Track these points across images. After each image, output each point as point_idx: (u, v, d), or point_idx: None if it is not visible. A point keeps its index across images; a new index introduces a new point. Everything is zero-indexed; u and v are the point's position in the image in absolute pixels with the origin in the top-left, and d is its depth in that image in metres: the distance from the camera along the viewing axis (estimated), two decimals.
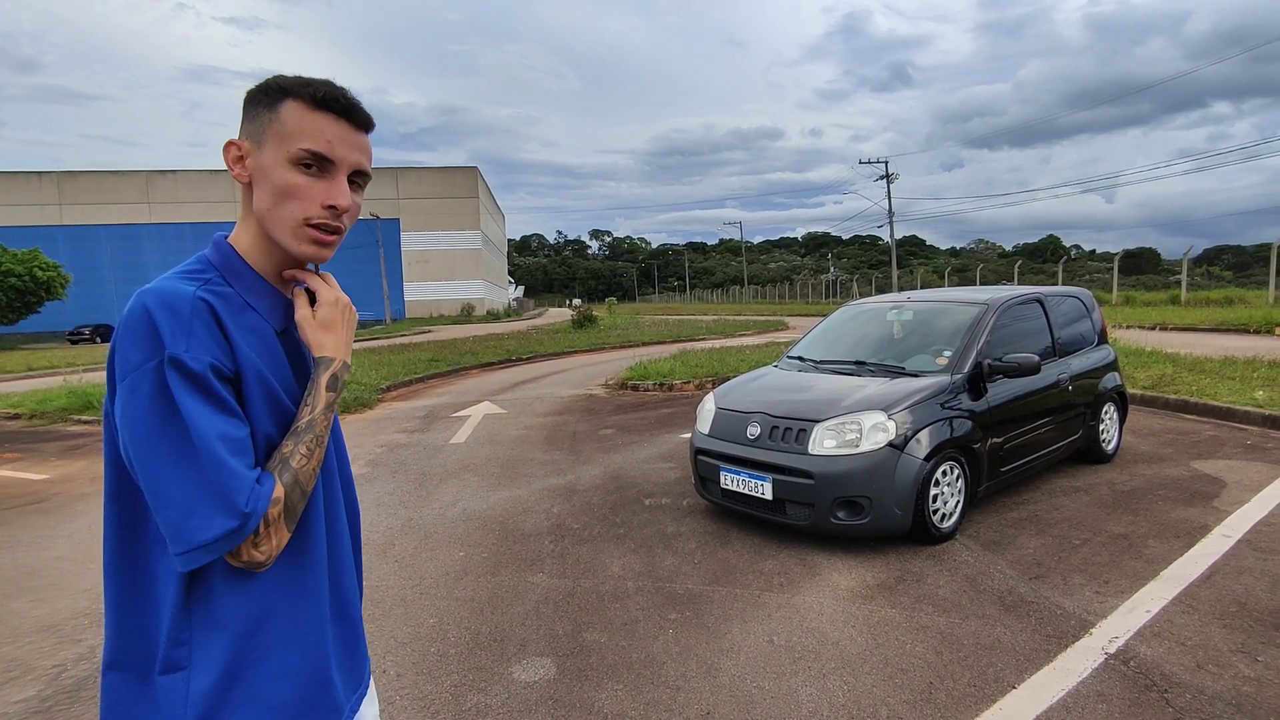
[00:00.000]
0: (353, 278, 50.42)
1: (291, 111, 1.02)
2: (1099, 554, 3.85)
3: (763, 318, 34.27)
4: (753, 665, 2.88)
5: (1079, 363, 5.49)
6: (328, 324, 1.10)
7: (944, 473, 4.17)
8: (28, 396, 11.38)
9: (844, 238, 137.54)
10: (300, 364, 1.11)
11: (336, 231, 1.06)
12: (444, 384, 13.01)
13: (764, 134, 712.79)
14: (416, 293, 53.71)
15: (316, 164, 1.03)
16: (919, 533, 4.05)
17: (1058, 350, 5.33)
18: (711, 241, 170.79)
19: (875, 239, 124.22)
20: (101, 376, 13.64)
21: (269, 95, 1.03)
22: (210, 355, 0.93)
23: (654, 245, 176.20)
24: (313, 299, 1.12)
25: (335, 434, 1.20)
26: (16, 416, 10.36)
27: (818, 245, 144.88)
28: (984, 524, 4.42)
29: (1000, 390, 4.62)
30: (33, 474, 6.86)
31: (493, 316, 52.06)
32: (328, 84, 1.04)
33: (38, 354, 25.39)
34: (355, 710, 1.17)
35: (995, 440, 4.52)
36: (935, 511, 4.10)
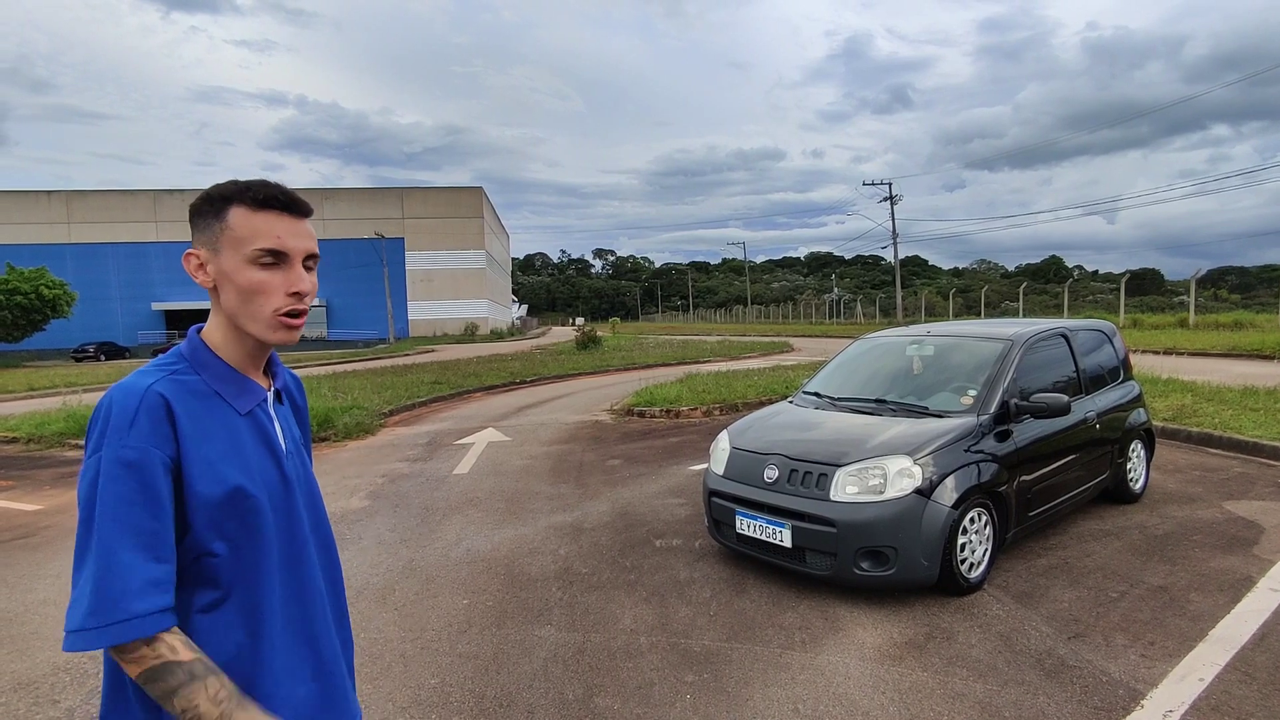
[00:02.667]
0: (357, 297, 50.81)
1: (239, 217, 1.12)
2: (1139, 609, 3.64)
3: (767, 339, 34.12)
4: None
5: (1105, 399, 5.30)
6: None
7: (971, 520, 3.97)
8: (25, 419, 11.23)
9: (847, 258, 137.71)
10: (265, 441, 1.18)
11: (302, 314, 1.17)
12: (447, 408, 12.83)
13: (766, 154, 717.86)
14: (420, 312, 53.75)
15: (274, 259, 1.13)
16: (946, 583, 3.85)
17: (1084, 386, 5.15)
18: (715, 261, 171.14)
19: (878, 259, 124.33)
20: (98, 397, 13.48)
21: (213, 204, 1.13)
22: (147, 445, 1.02)
23: (657, 264, 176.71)
24: None
25: (311, 487, 1.28)
26: (14, 440, 10.20)
27: (821, 265, 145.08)
28: (1013, 572, 4.21)
29: (1026, 430, 4.43)
30: (24, 504, 6.68)
31: (496, 335, 52.02)
32: (264, 184, 1.14)
33: (40, 373, 25.30)
34: None
35: (1023, 483, 4.32)
36: (963, 561, 3.90)
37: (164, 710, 1.06)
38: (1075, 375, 5.13)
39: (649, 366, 19.67)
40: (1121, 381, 5.68)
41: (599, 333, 29.70)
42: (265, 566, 1.15)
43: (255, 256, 1.12)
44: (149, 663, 1.00)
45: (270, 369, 1.26)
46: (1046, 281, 74.06)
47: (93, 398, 13.94)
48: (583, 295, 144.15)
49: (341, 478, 7.33)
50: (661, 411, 10.78)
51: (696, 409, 10.80)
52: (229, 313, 1.15)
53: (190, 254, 1.15)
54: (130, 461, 1.01)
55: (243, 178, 1.16)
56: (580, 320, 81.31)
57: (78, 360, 38.69)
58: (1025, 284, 39.69)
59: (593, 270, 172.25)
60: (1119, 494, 5.40)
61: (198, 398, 1.11)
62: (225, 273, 1.12)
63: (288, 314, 1.15)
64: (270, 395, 1.24)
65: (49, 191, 51.54)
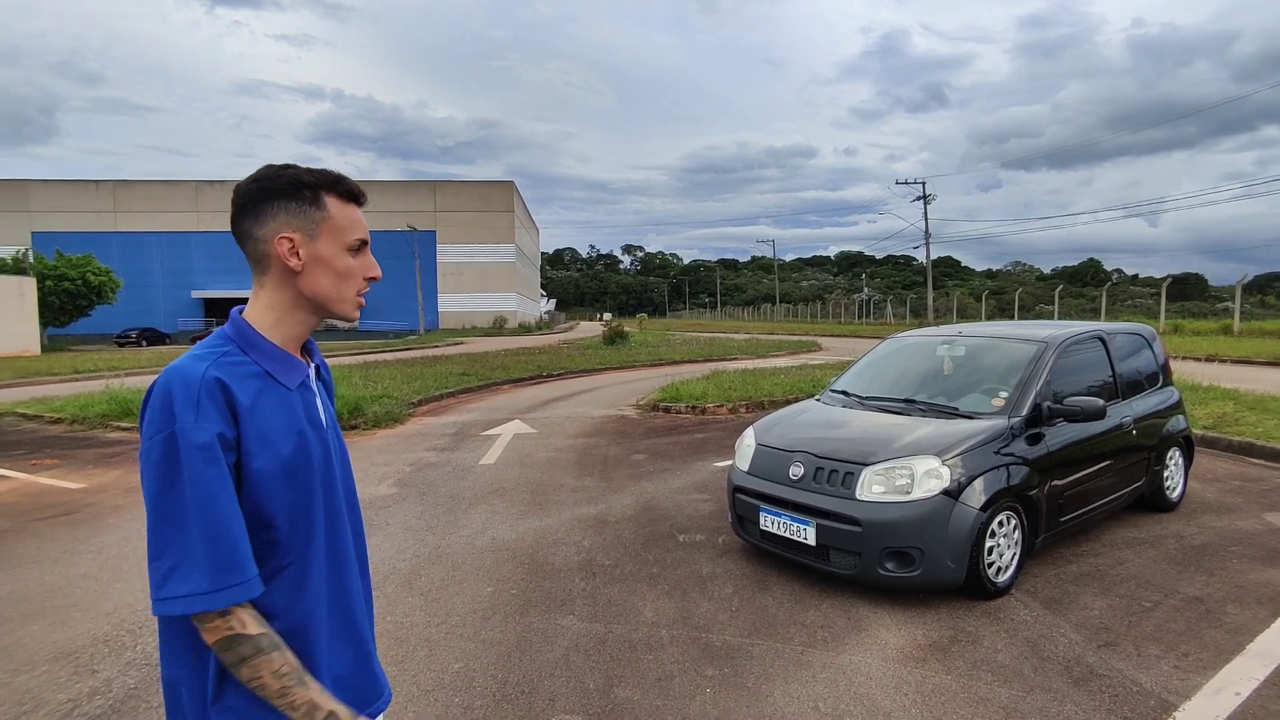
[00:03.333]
0: (389, 288, 51.38)
1: (336, 207, 1.22)
2: (1173, 620, 3.55)
3: (795, 337, 33.87)
4: None
5: (1142, 404, 5.17)
6: None
7: (1000, 523, 3.91)
8: (70, 401, 11.61)
9: (878, 257, 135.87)
10: (310, 416, 1.23)
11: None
12: (475, 399, 12.97)
13: (798, 152, 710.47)
14: (450, 304, 54.31)
15: (362, 247, 1.25)
16: (973, 587, 3.79)
17: (1120, 391, 5.03)
18: (743, 258, 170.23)
19: (909, 259, 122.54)
20: (140, 381, 13.94)
21: (311, 191, 1.20)
22: (216, 426, 1.08)
23: (685, 261, 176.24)
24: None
25: (345, 461, 1.34)
26: (59, 421, 10.55)
27: (851, 264, 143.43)
28: (1042, 578, 4.13)
29: (1059, 434, 4.34)
30: (68, 482, 6.91)
31: (524, 329, 52.38)
32: (350, 181, 1.25)
33: (85, 356, 26.10)
34: None
35: (1054, 487, 4.24)
36: (991, 565, 3.84)
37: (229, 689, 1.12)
38: (1112, 379, 5.01)
39: (676, 363, 19.65)
40: (1160, 387, 5.53)
41: (626, 328, 29.76)
42: (315, 539, 1.21)
43: (353, 245, 1.23)
44: (222, 633, 1.06)
45: (306, 347, 1.30)
46: (1084, 285, 72.38)
47: (135, 381, 14.35)
48: (610, 291, 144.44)
49: (370, 465, 7.45)
50: (687, 408, 10.78)
51: (722, 406, 10.77)
52: (315, 294, 1.21)
53: (285, 237, 1.18)
54: (204, 443, 1.06)
55: (319, 168, 1.24)
56: (608, 316, 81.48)
57: (120, 345, 39.82)
58: (1061, 287, 38.84)
59: (621, 266, 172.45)
60: (1155, 502, 5.27)
61: (250, 378, 1.15)
62: (323, 258, 1.20)
63: (360, 294, 1.27)
64: (311, 372, 1.29)
65: (97, 181, 53.05)
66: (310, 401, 1.25)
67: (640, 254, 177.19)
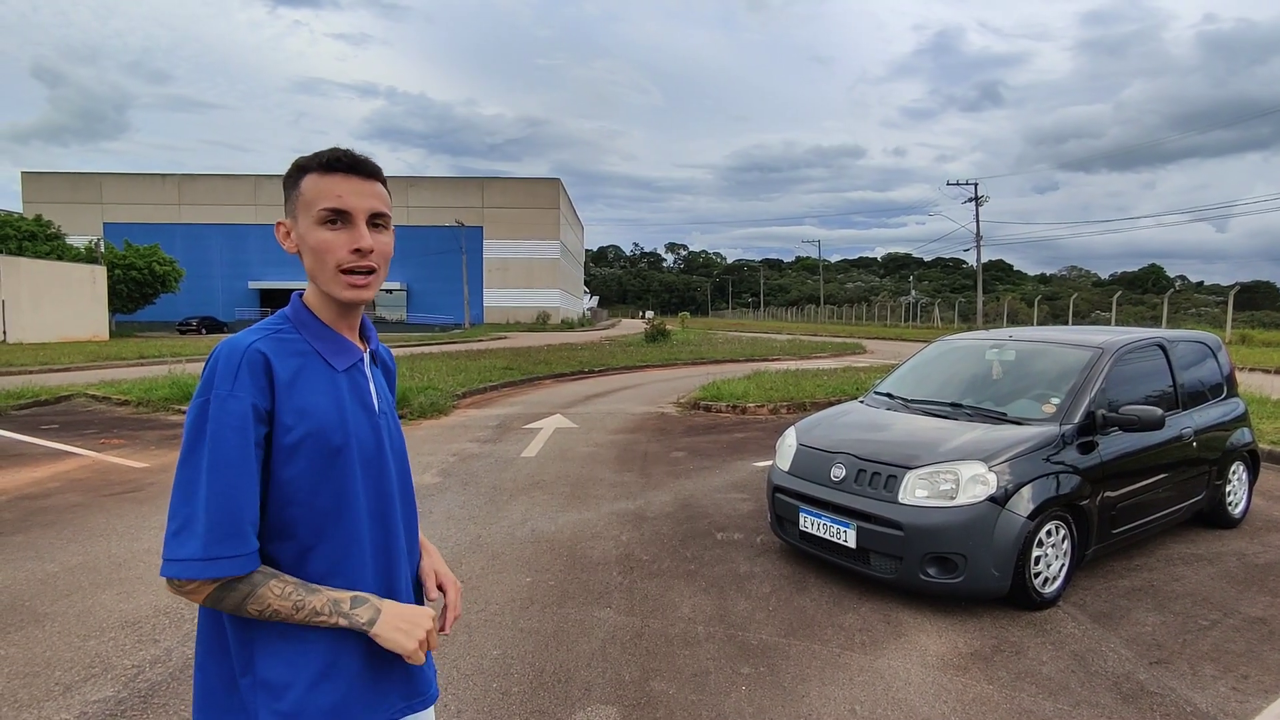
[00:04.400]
0: (436, 282, 52.49)
1: (309, 182, 1.19)
2: (1232, 640, 3.41)
3: (839, 339, 33.39)
4: None
5: (1204, 415, 4.97)
6: (400, 640, 1.18)
7: (1049, 532, 3.81)
8: (136, 384, 12.16)
9: (926, 259, 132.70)
10: (360, 399, 1.24)
11: (370, 272, 1.22)
12: (517, 393, 13.15)
13: (845, 152, 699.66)
14: (495, 299, 55.08)
15: (339, 219, 1.18)
16: (1018, 596, 3.71)
17: (1181, 401, 4.84)
18: (788, 259, 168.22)
19: (959, 262, 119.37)
20: (199, 368, 14.42)
21: (293, 176, 1.21)
22: (250, 397, 1.10)
23: (729, 260, 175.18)
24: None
25: (400, 448, 1.33)
26: (125, 403, 11.06)
27: (898, 266, 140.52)
28: (1091, 591, 4.01)
29: (1114, 443, 4.21)
30: (133, 461, 7.25)
31: (567, 325, 52.81)
32: (333, 150, 1.20)
33: (150, 343, 27.29)
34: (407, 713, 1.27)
35: (1107, 498, 4.11)
36: (1037, 575, 3.75)
37: (257, 662, 1.13)
38: (1172, 388, 4.83)
39: (717, 362, 19.58)
40: (1225, 398, 5.31)
41: (668, 326, 29.75)
42: (355, 518, 1.20)
43: (321, 217, 1.18)
44: (207, 590, 1.07)
45: (364, 333, 1.32)
46: (1144, 291, 69.57)
47: (194, 368, 14.95)
48: (653, 289, 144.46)
49: (415, 455, 7.63)
50: (728, 407, 10.74)
51: (763, 406, 10.70)
52: (310, 274, 1.22)
53: (280, 224, 1.23)
54: (234, 411, 1.09)
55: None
56: (650, 313, 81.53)
57: (182, 333, 41.49)
58: (1119, 293, 37.34)
59: (664, 264, 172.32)
60: (1215, 518, 5.06)
61: (297, 355, 1.18)
62: (301, 236, 1.20)
63: (350, 270, 1.19)
64: (366, 356, 1.30)
65: (163, 175, 55.37)
66: (361, 385, 1.26)
67: (684, 252, 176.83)
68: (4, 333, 25.54)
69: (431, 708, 1.36)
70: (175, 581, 1.07)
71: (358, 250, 1.19)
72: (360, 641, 1.19)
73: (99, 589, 3.98)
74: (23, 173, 54.48)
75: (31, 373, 15.41)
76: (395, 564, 1.28)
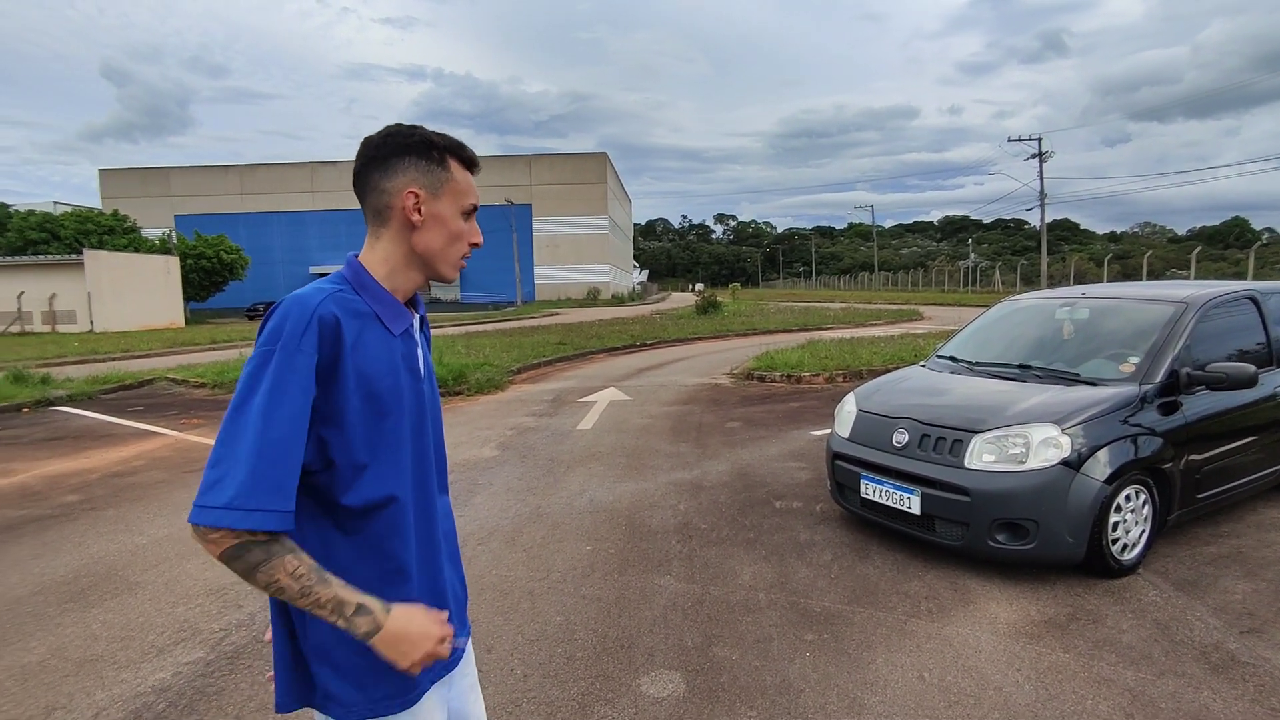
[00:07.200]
0: (487, 261, 53.13)
1: (458, 171, 1.28)
2: None
3: (895, 306, 32.52)
4: (901, 705, 2.61)
5: None
6: (394, 659, 1.16)
7: (1128, 497, 3.64)
8: (210, 368, 12.75)
9: (985, 221, 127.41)
10: (409, 363, 1.27)
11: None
12: (571, 367, 13.26)
13: (899, 113, 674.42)
14: (545, 276, 55.56)
15: (473, 212, 1.32)
16: (1095, 563, 3.56)
17: (1276, 358, 4.53)
18: (840, 226, 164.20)
19: (1021, 223, 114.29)
20: None
21: (439, 152, 1.26)
22: (315, 354, 1.12)
23: (780, 230, 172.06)
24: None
25: (437, 412, 1.36)
26: (201, 385, 11.61)
27: (955, 229, 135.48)
28: (1174, 558, 3.83)
29: (1200, 403, 3.97)
30: (211, 439, 7.59)
31: (617, 300, 52.88)
32: (470, 149, 1.32)
33: (221, 328, 28.54)
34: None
35: (1192, 461, 3.89)
36: (1115, 541, 3.59)
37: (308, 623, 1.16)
38: (1265, 344, 4.51)
39: (769, 332, 19.33)
40: None
41: (718, 298, 29.49)
42: (402, 481, 1.23)
43: (467, 209, 1.29)
44: (228, 543, 1.04)
45: (412, 300, 1.34)
46: (1225, 247, 65.36)
47: None
48: (703, 261, 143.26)
49: (474, 429, 7.79)
50: (782, 376, 10.60)
51: (819, 375, 10.52)
52: (426, 251, 1.25)
53: (412, 191, 1.22)
54: (302, 366, 1.09)
55: (443, 133, 1.30)
56: (700, 286, 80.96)
57: (250, 318, 43.21)
58: (1199, 249, 35.17)
59: (713, 236, 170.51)
60: None
61: (358, 317, 1.18)
62: (441, 216, 1.25)
63: (463, 257, 1.33)
64: (415, 322, 1.32)
65: (225, 166, 57.51)
66: (411, 350, 1.28)
67: (733, 223, 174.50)
68: (90, 322, 27.09)
69: (471, 662, 1.45)
70: (201, 529, 1.04)
71: (474, 244, 1.34)
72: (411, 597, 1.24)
73: (184, 559, 4.20)
74: (100, 170, 57.40)
75: (116, 359, 16.31)
76: (432, 525, 1.31)
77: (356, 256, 1.27)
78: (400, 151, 1.23)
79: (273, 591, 1.08)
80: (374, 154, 1.23)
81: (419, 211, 1.23)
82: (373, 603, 1.14)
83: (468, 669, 1.44)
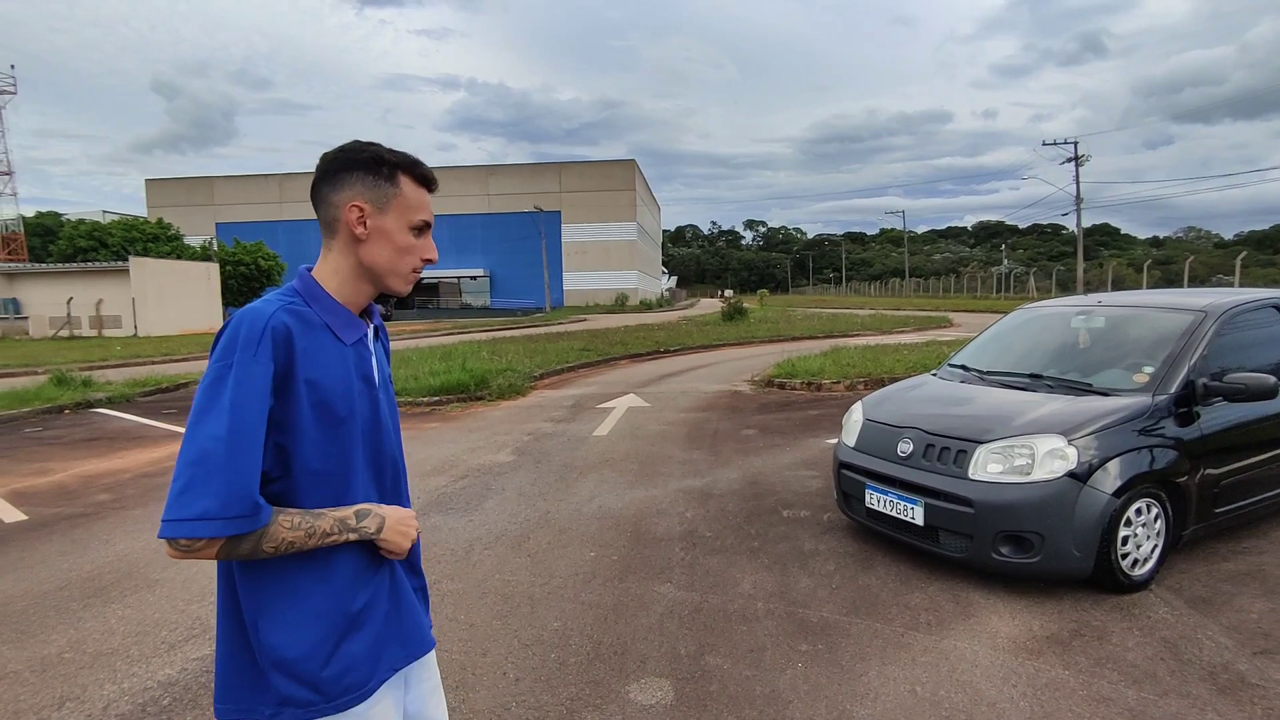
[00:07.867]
0: (517, 268, 53.83)
1: (409, 188, 1.30)
2: None
3: (924, 313, 32.04)
4: (890, 718, 2.58)
5: None
6: (400, 542, 1.32)
7: (1139, 511, 3.55)
8: None
9: (1020, 227, 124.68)
10: (362, 371, 1.31)
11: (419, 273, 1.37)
12: (593, 373, 13.34)
13: (931, 117, 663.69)
14: (574, 282, 55.90)
15: (424, 228, 1.34)
16: (1102, 578, 3.48)
17: None
18: (871, 231, 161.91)
19: (1058, 228, 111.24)
20: None
21: (388, 168, 1.29)
22: (271, 365, 1.15)
23: (810, 235, 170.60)
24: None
25: (395, 419, 1.40)
26: None
27: (989, 235, 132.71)
28: (1189, 574, 3.73)
29: (1218, 415, 3.86)
30: None
31: (645, 306, 53.00)
32: (424, 165, 1.33)
33: None
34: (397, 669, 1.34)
35: (1208, 475, 3.79)
36: (1125, 555, 3.51)
37: (261, 629, 1.19)
38: None
39: (795, 339, 19.20)
40: None
41: (744, 304, 29.38)
42: (357, 486, 1.28)
43: (417, 224, 1.31)
44: (214, 549, 1.11)
45: (367, 311, 1.39)
46: (1275, 252, 63.06)
47: None
48: (732, 267, 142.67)
49: (492, 434, 7.88)
50: (802, 384, 10.53)
51: (839, 382, 10.43)
52: (375, 264, 1.29)
53: (356, 205, 1.26)
54: (259, 375, 1.14)
55: (400, 150, 1.33)
56: (728, 292, 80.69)
57: None
58: (1244, 254, 34.00)
59: (743, 242, 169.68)
60: None
61: (310, 327, 1.23)
62: (386, 231, 1.28)
63: (414, 271, 1.34)
64: (370, 332, 1.36)
65: (265, 175, 59.04)
66: (365, 358, 1.32)
67: (763, 229, 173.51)
68: (135, 326, 28.02)
69: (433, 653, 1.46)
70: (182, 542, 1.08)
71: (427, 260, 1.36)
72: (358, 601, 1.27)
73: None
74: (146, 180, 59.36)
75: (155, 363, 16.86)
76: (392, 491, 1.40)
77: (309, 270, 1.32)
78: (348, 166, 1.28)
79: (283, 550, 1.16)
80: (326, 168, 1.29)
81: (363, 225, 1.27)
82: (362, 506, 1.27)
83: (427, 673, 1.46)
